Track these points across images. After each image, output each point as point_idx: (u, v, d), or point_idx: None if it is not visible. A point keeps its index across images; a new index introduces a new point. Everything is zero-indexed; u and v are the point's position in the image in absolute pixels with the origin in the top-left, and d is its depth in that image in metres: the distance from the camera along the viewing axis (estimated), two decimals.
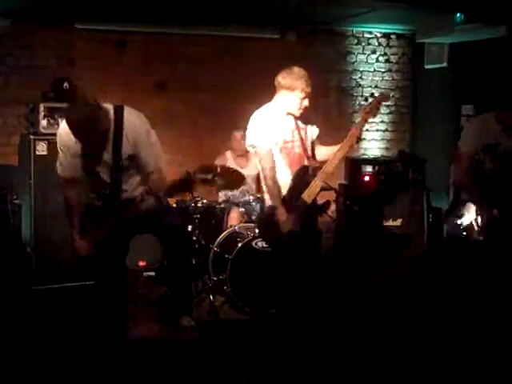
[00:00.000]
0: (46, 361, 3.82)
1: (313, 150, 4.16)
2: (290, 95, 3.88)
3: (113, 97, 6.02)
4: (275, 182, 3.88)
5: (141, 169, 3.90)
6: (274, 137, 3.90)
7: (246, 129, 6.09)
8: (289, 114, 3.97)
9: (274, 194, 3.90)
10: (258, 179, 5.50)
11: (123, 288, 4.13)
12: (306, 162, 3.97)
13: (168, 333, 4.33)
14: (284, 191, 3.88)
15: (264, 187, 3.98)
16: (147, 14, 5.91)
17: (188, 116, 6.51)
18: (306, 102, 3.90)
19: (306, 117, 4.04)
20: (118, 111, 3.74)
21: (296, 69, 3.89)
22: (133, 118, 3.78)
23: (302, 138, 4.00)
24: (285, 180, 3.90)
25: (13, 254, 5.19)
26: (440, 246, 5.79)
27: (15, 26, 5.94)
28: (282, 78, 3.89)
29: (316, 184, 3.86)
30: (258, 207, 5.20)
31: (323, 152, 4.15)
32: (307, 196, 3.84)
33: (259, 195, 5.10)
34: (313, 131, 4.13)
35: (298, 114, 3.95)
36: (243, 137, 5.80)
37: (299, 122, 4.01)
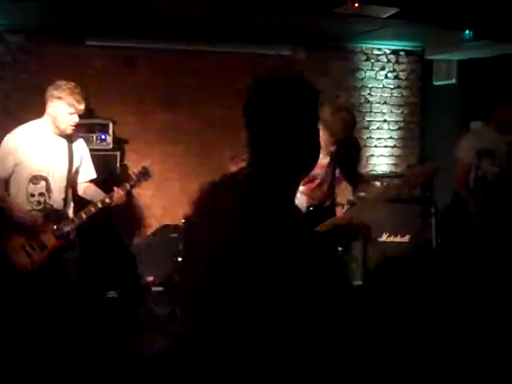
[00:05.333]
0: None
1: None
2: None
3: (121, 112, 6.08)
4: None
5: None
6: None
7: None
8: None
9: None
10: None
11: None
12: (328, 202, 3.85)
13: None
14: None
15: None
16: (157, 30, 5.96)
17: (196, 131, 6.53)
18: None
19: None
20: None
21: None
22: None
23: (333, 175, 3.82)
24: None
25: None
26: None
27: (28, 41, 5.99)
28: None
29: (331, 222, 3.69)
30: None
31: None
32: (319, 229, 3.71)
33: None
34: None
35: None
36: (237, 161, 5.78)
37: (336, 160, 3.80)
